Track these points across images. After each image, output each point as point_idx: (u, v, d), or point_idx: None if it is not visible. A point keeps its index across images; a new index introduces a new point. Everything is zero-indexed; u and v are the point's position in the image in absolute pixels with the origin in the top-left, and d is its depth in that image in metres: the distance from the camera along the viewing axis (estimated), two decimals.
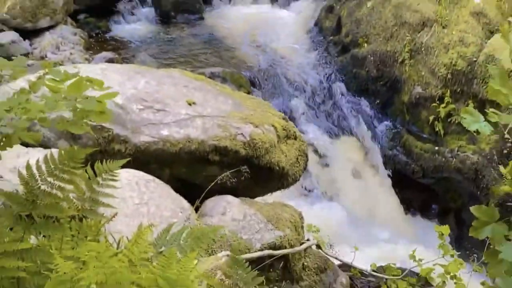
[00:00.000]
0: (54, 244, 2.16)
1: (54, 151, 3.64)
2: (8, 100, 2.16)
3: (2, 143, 2.22)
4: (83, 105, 2.17)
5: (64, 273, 1.83)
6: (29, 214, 2.18)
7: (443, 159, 6.44)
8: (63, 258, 1.90)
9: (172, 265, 1.93)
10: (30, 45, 6.58)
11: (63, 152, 2.37)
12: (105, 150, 4.07)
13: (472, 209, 2.33)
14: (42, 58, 6.44)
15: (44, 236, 2.24)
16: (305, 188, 6.09)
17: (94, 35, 7.14)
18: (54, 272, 1.88)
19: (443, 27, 6.73)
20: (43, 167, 2.25)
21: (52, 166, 2.33)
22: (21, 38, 6.50)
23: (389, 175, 6.68)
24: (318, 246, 4.58)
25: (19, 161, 3.42)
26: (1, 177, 3.41)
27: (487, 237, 2.32)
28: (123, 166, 3.83)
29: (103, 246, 1.94)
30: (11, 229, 2.20)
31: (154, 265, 2.00)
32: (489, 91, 2.23)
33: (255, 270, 3.19)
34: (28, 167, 2.22)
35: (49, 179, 2.22)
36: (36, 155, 3.27)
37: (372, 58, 7.00)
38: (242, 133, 4.49)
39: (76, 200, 2.41)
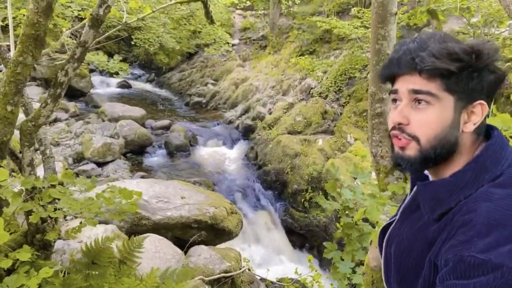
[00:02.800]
0: (105, 282, 2.26)
1: (111, 226, 4.15)
2: (81, 203, 2.11)
3: (84, 223, 2.25)
4: (122, 205, 2.24)
5: None
6: (93, 261, 2.34)
7: (309, 220, 6.57)
8: None
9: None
10: (101, 170, 6.67)
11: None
12: (137, 224, 4.40)
13: (324, 243, 2.66)
14: (107, 176, 6.47)
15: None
16: (242, 238, 5.89)
17: (134, 164, 7.20)
18: None
19: (305, 156, 6.95)
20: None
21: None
22: (96, 166, 6.68)
23: (284, 229, 6.72)
24: (249, 269, 4.75)
25: (91, 232, 3.76)
26: (81, 241, 3.49)
27: (332, 258, 2.57)
28: (146, 232, 4.16)
29: (133, 280, 2.21)
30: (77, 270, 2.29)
31: None
32: (326, 188, 2.51)
33: (217, 285, 4.09)
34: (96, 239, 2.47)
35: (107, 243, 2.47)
36: (100, 228, 3.97)
37: (273, 171, 7.19)
38: (209, 212, 4.78)
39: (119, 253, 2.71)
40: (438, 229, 0.80)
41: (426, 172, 0.94)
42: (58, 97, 1.97)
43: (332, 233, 6.08)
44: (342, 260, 2.62)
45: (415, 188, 0.91)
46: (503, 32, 5.71)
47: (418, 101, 0.82)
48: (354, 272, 2.66)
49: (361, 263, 2.73)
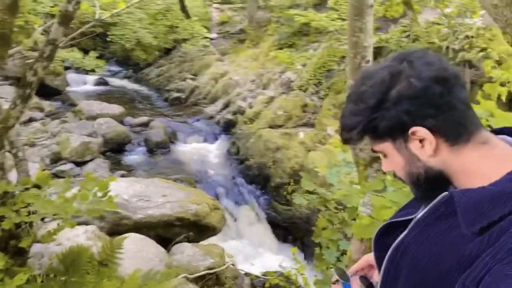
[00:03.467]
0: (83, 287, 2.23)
1: (91, 227, 4.06)
2: (57, 206, 2.08)
3: (61, 225, 2.23)
4: (97, 202, 2.20)
5: None
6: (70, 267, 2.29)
7: (292, 213, 6.56)
8: None
9: None
10: (80, 169, 6.49)
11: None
12: (118, 223, 4.40)
13: (313, 228, 2.80)
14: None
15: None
16: (225, 234, 5.88)
17: (114, 162, 7.03)
18: None
19: (287, 149, 6.98)
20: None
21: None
22: (75, 166, 6.54)
23: (267, 222, 6.72)
24: (233, 265, 4.76)
25: (71, 233, 3.66)
26: (61, 243, 3.41)
27: (316, 249, 2.66)
28: (128, 231, 4.08)
29: (113, 283, 2.15)
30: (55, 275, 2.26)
31: None
32: (302, 184, 2.48)
33: (202, 281, 4.10)
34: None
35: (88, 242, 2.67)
36: (80, 229, 3.89)
37: (255, 165, 7.19)
38: (191, 209, 4.77)
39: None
40: (478, 249, 0.70)
41: None
42: (27, 98, 1.90)
43: (315, 225, 6.27)
44: (328, 248, 2.65)
45: (437, 200, 0.82)
46: (476, 22, 5.81)
47: None
48: (339, 260, 2.68)
49: (344, 253, 2.76)
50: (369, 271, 1.08)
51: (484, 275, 0.66)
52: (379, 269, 0.94)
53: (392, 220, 0.97)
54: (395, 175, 0.91)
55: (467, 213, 0.74)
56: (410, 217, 0.92)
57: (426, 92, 0.77)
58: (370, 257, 1.06)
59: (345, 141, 0.90)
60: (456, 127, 0.79)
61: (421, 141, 0.80)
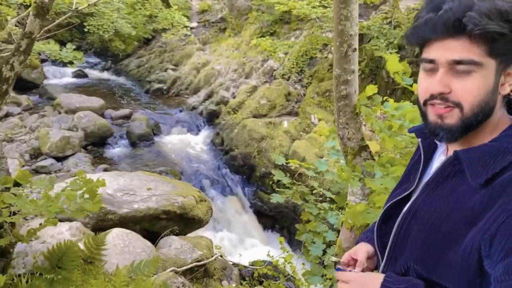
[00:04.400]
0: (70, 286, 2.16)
1: (75, 223, 3.94)
2: (40, 205, 2.02)
3: (43, 224, 2.16)
4: (84, 203, 2.14)
5: None
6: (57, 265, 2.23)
7: (278, 202, 6.86)
8: None
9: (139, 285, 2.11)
10: (61, 164, 6.43)
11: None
12: (103, 219, 4.27)
13: (296, 225, 2.69)
14: (68, 171, 6.20)
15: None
16: (212, 225, 5.91)
17: (96, 156, 6.97)
18: None
19: (272, 139, 6.95)
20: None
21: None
22: (55, 161, 6.42)
23: (254, 212, 6.75)
24: (221, 256, 4.72)
25: (55, 230, 3.64)
26: (44, 241, 3.45)
27: (304, 241, 2.57)
28: (113, 226, 4.09)
29: (100, 282, 2.13)
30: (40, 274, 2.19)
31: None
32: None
33: (190, 274, 4.03)
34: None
35: (72, 239, 2.47)
36: (64, 226, 3.81)
37: (240, 156, 7.14)
38: (177, 202, 4.70)
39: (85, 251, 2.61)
40: (481, 202, 0.76)
41: (438, 143, 0.96)
42: (4, 94, 1.82)
43: (301, 212, 6.32)
44: (314, 242, 2.63)
45: (442, 160, 0.88)
46: None
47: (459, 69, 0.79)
48: (325, 253, 2.67)
49: (331, 244, 2.77)
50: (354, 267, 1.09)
51: (498, 229, 0.71)
52: (382, 254, 0.98)
53: (395, 200, 0.98)
54: (434, 96, 0.82)
55: (473, 167, 0.79)
56: (409, 191, 0.95)
57: None
58: (353, 252, 1.08)
59: (454, 25, 0.75)
60: None
61: (506, 77, 0.80)
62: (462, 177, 0.82)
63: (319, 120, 7.02)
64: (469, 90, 0.78)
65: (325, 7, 7.88)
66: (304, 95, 7.77)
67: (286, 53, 8.67)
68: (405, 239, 0.89)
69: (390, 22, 6.66)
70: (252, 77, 9.03)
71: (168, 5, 11.39)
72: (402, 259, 0.89)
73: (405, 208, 0.92)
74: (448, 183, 0.84)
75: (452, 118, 0.82)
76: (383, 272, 0.95)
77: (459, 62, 0.78)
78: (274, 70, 8.63)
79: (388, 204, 1.00)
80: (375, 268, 1.07)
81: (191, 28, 11.64)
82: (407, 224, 0.89)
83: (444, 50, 0.78)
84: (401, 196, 0.97)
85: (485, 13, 0.73)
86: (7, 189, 2.09)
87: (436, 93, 0.81)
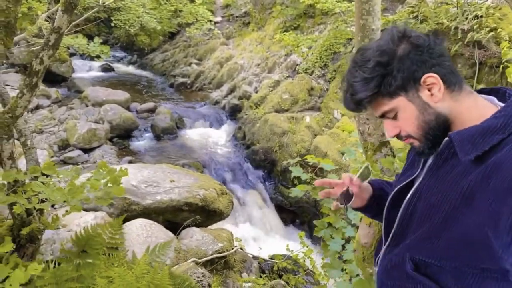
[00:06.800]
0: (95, 271, 2.18)
1: (100, 213, 4.10)
2: (66, 193, 2.07)
3: (68, 211, 2.17)
4: (109, 189, 2.20)
5: (101, 286, 1.93)
6: (83, 249, 2.28)
7: (299, 197, 6.25)
8: (100, 277, 2.02)
9: (157, 273, 2.02)
10: (88, 156, 6.55)
11: (109, 223, 2.75)
12: (127, 209, 4.34)
13: (314, 222, 2.63)
14: (94, 162, 6.32)
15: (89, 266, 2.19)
16: (233, 218, 5.90)
17: (121, 148, 7.03)
18: (95, 287, 1.97)
19: (293, 134, 6.91)
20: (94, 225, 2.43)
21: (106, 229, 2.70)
22: (82, 153, 6.54)
23: (274, 206, 6.68)
24: (241, 248, 4.79)
25: (81, 219, 3.80)
26: (71, 229, 3.60)
27: (322, 236, 2.52)
28: (137, 217, 4.19)
29: (122, 269, 2.07)
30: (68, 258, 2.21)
31: (148, 276, 2.02)
32: (293, 174, 2.23)
33: (211, 265, 4.07)
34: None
35: (99, 230, 2.41)
36: (90, 215, 3.97)
37: (261, 150, 7.09)
38: (199, 194, 4.77)
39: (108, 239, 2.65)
40: (476, 180, 0.82)
41: None
42: (34, 87, 1.90)
43: (320, 208, 6.32)
44: (332, 238, 2.62)
45: (441, 146, 0.95)
46: (486, 1, 5.67)
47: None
48: (344, 248, 2.65)
49: (350, 240, 2.71)
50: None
51: (500, 208, 0.75)
52: (386, 237, 1.06)
53: (401, 185, 1.05)
54: (399, 137, 0.97)
55: (463, 145, 0.87)
56: (413, 176, 1.02)
57: (429, 43, 0.89)
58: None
59: (357, 105, 0.95)
60: (452, 75, 0.91)
61: (429, 89, 0.90)
62: (458, 158, 0.89)
63: (342, 115, 6.93)
64: (405, 125, 0.94)
65: (350, 1, 7.76)
66: (327, 90, 7.69)
67: (309, 48, 8.59)
68: (411, 220, 0.97)
69: (417, 16, 6.51)
70: (275, 71, 8.98)
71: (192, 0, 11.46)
72: (403, 245, 0.96)
73: (410, 192, 1.00)
74: (446, 165, 0.92)
75: (416, 143, 0.96)
76: (384, 254, 1.04)
77: (383, 115, 0.97)
78: (297, 64, 8.56)
79: (395, 190, 1.06)
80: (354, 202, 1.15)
81: (215, 23, 11.74)
82: (412, 207, 0.97)
83: (372, 110, 0.98)
84: (406, 181, 1.04)
85: (360, 89, 0.91)
86: (36, 178, 2.16)
87: (393, 136, 0.98)
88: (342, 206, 1.13)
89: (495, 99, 0.94)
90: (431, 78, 0.89)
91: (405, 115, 0.92)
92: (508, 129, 0.83)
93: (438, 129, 0.91)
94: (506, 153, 0.80)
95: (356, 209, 1.22)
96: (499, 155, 0.80)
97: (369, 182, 1.21)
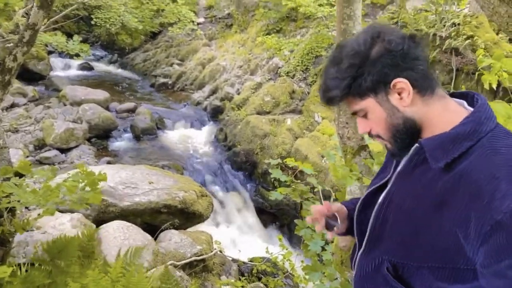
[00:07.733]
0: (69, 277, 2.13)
1: (77, 215, 3.98)
2: (40, 195, 2.00)
3: (41, 214, 2.09)
4: (85, 194, 2.12)
5: None
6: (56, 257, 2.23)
7: (279, 200, 6.77)
8: (74, 282, 1.97)
9: (133, 276, 2.01)
10: (65, 156, 6.41)
11: (87, 230, 2.76)
12: (104, 211, 4.28)
13: (295, 221, 2.61)
14: (71, 163, 6.16)
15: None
16: (213, 220, 5.84)
17: (99, 149, 6.94)
18: None
19: (274, 136, 6.93)
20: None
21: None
22: (59, 153, 6.39)
23: (254, 209, 6.60)
24: (220, 251, 4.77)
25: (56, 221, 3.73)
26: (45, 231, 3.54)
27: (302, 236, 2.49)
28: (114, 219, 4.13)
29: (96, 273, 2.02)
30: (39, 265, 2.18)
31: (124, 279, 2.00)
32: (273, 176, 2.44)
33: (189, 268, 4.01)
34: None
35: (73, 230, 2.61)
36: (66, 217, 3.88)
37: (242, 152, 7.07)
38: (178, 196, 4.72)
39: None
40: (445, 187, 0.83)
41: None
42: (7, 84, 1.83)
43: (300, 211, 6.33)
44: (313, 238, 2.61)
45: (411, 151, 0.95)
46: (464, 9, 5.80)
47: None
48: (324, 250, 2.67)
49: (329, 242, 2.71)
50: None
51: (469, 214, 0.78)
52: (360, 242, 1.05)
53: (372, 188, 1.07)
54: (370, 135, 0.99)
55: (434, 152, 0.88)
56: (385, 180, 1.04)
57: (403, 46, 0.88)
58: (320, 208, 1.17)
59: (328, 101, 0.97)
60: (425, 80, 0.91)
61: (399, 93, 0.90)
62: (428, 164, 0.90)
63: (323, 118, 6.95)
64: (375, 125, 0.96)
65: (332, 5, 7.84)
66: (309, 93, 7.69)
67: (291, 51, 8.63)
68: (382, 227, 0.97)
69: (397, 22, 6.62)
70: (257, 74, 8.99)
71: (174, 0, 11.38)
72: (378, 249, 0.97)
73: (381, 197, 1.01)
74: (417, 171, 0.93)
75: (386, 143, 0.98)
76: (360, 259, 1.04)
77: (354, 113, 0.99)
78: (279, 67, 8.58)
79: (366, 193, 1.08)
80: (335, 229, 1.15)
81: (198, 24, 11.69)
82: (383, 213, 0.98)
83: (346, 106, 1.01)
84: (377, 185, 1.05)
85: (327, 89, 0.94)
86: (8, 179, 2.09)
87: (364, 132, 1.00)
88: (331, 230, 1.14)
89: (465, 103, 0.95)
90: (401, 83, 0.89)
91: (374, 116, 0.94)
92: (476, 136, 0.84)
93: (405, 133, 0.92)
94: (474, 160, 0.82)
95: (342, 234, 1.22)
96: (467, 162, 0.82)
97: (342, 204, 1.22)
